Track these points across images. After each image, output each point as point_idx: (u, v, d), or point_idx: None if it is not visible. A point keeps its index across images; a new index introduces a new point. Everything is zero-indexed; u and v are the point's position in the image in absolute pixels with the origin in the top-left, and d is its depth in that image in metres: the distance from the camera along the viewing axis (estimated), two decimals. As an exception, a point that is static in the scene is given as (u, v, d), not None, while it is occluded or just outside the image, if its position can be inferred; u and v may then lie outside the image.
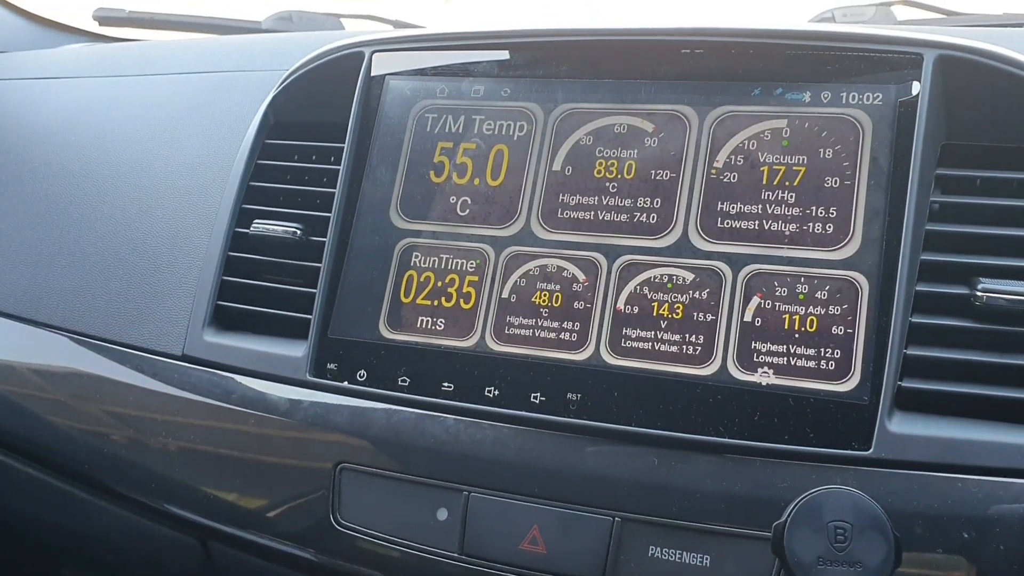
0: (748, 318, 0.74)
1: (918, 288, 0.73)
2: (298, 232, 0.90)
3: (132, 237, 0.99)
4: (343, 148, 0.88)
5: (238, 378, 0.87)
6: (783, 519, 0.63)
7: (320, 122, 0.94)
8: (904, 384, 0.71)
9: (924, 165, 0.73)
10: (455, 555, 0.77)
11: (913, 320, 0.72)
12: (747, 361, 0.73)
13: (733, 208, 0.76)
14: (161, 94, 1.12)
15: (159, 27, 1.65)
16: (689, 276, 0.76)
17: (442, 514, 0.78)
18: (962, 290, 0.73)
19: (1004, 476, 0.67)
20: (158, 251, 0.96)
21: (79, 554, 1.16)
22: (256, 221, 0.92)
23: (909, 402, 0.71)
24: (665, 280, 0.76)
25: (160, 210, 0.99)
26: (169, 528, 0.93)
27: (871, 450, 0.68)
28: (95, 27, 1.67)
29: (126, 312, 0.95)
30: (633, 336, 0.76)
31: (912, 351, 0.71)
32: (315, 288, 0.85)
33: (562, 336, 0.77)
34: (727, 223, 0.76)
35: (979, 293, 0.71)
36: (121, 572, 1.12)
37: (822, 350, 0.71)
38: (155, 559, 1.01)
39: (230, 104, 1.05)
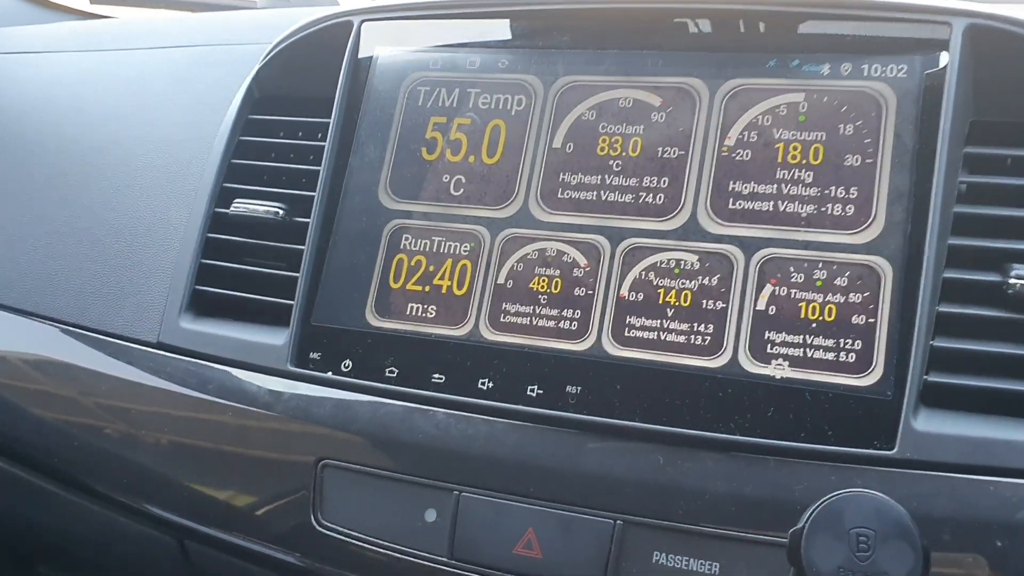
0: (761, 306, 0.71)
1: (945, 275, 0.70)
2: (281, 212, 0.88)
3: (108, 218, 0.97)
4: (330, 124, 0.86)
5: (216, 367, 0.85)
6: (800, 525, 0.60)
7: (307, 96, 0.93)
8: (930, 378, 0.68)
9: (952, 143, 0.71)
10: (444, 559, 0.75)
11: (940, 309, 0.70)
12: (760, 352, 0.70)
13: (746, 188, 0.74)
14: (142, 68, 1.11)
15: (153, 6, 1.66)
16: (698, 261, 0.74)
17: (431, 515, 0.76)
18: (993, 277, 0.70)
19: (1038, 478, 0.64)
20: (135, 232, 0.94)
21: (54, 551, 1.16)
22: (237, 201, 0.90)
23: (936, 398, 0.68)
24: (672, 265, 0.74)
25: (138, 189, 0.97)
26: (144, 526, 0.91)
27: (895, 450, 0.66)
28: (88, 6, 1.65)
29: (100, 297, 0.93)
30: (637, 325, 0.73)
31: (939, 343, 0.69)
32: (298, 272, 0.83)
33: (561, 325, 0.75)
34: (739, 204, 0.74)
35: (1012, 280, 0.69)
36: (97, 570, 1.11)
37: (841, 341, 0.69)
38: (131, 557, 1.00)
39: (214, 78, 1.03)
